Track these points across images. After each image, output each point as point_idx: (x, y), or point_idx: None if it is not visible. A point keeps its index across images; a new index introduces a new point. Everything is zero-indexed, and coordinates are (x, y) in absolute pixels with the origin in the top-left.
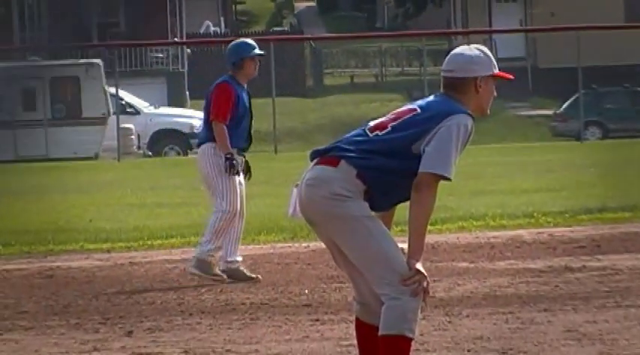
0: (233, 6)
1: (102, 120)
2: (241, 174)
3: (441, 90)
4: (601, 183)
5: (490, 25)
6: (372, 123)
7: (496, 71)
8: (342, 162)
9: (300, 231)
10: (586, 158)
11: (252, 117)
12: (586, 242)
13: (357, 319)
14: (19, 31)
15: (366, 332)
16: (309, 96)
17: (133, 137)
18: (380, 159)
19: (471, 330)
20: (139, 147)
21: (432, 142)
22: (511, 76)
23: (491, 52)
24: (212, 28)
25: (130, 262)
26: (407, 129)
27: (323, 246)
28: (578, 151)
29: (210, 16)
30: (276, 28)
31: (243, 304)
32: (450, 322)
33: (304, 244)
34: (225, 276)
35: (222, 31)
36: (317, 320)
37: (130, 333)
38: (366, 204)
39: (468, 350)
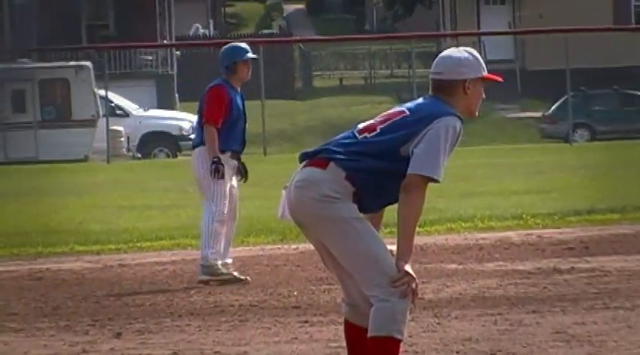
0: (222, 8)
1: (91, 123)
2: (234, 177)
3: (430, 92)
4: (590, 185)
5: (479, 27)
6: (361, 126)
7: (485, 73)
8: (331, 164)
9: (289, 232)
10: (575, 160)
11: (246, 121)
12: (574, 243)
13: (346, 321)
14: (10, 33)
15: (355, 333)
16: (298, 99)
17: (122, 139)
18: (369, 161)
19: (460, 332)
20: (128, 150)
21: (421, 144)
22: (500, 78)
23: (480, 54)
24: (201, 31)
25: (120, 264)
26: (396, 132)
27: (312, 247)
28: (567, 153)
29: (199, 19)
30: (265, 31)
31: (232, 306)
32: (438, 323)
33: (293, 246)
34: (236, 274)
35: (212, 33)
36: (306, 321)
37: (119, 335)
38: (355, 206)
39: (457, 352)
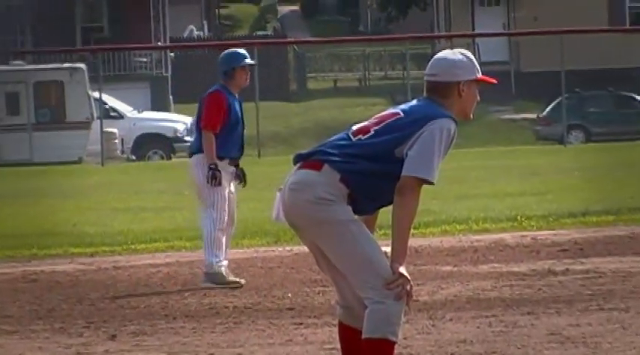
0: (216, 10)
1: (86, 125)
2: (232, 182)
3: (424, 94)
4: (584, 187)
5: (473, 29)
6: (355, 127)
7: (479, 75)
8: (326, 166)
9: (283, 235)
10: (569, 162)
11: (244, 127)
12: (569, 245)
13: (341, 323)
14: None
15: (349, 335)
16: (292, 101)
17: (116, 141)
18: (363, 163)
19: (455, 334)
20: (122, 152)
21: (415, 146)
22: (494, 80)
23: (474, 55)
24: (195, 33)
25: (114, 266)
26: (390, 133)
27: (306, 250)
28: (562, 155)
29: (193, 21)
30: (259, 33)
31: (226, 308)
32: (433, 325)
33: (288, 248)
34: (242, 281)
35: (206, 35)
36: (300, 323)
37: (113, 337)
38: (350, 208)
39: (452, 354)
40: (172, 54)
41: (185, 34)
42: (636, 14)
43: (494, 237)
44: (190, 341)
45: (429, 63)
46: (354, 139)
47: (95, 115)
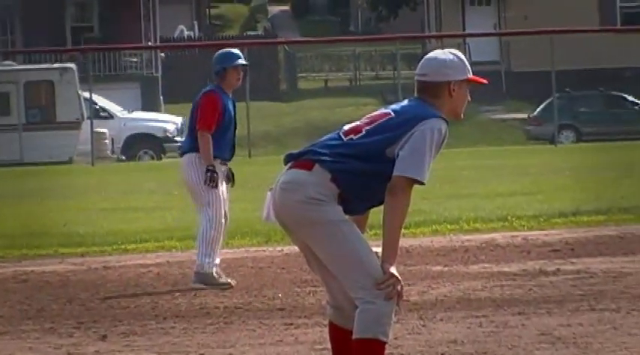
0: (207, 10)
1: (76, 125)
2: (224, 182)
3: (415, 94)
4: (575, 187)
5: (464, 29)
6: (346, 127)
7: (470, 75)
8: (317, 165)
9: (274, 235)
10: (560, 161)
11: (236, 127)
12: (560, 245)
13: (331, 323)
14: None
15: (339, 336)
16: (283, 100)
17: (106, 141)
18: (354, 162)
19: (445, 334)
20: (112, 152)
21: (406, 146)
22: (485, 80)
23: (465, 55)
24: (186, 33)
25: (104, 266)
26: (381, 133)
27: (297, 250)
28: (553, 155)
29: (184, 21)
30: (250, 32)
31: (217, 308)
32: (424, 326)
33: (278, 248)
34: (232, 282)
35: (196, 35)
36: (291, 324)
37: (104, 337)
38: (341, 208)
39: (442, 354)
40: (163, 54)
41: (175, 34)
42: (627, 14)
43: (485, 237)
44: (181, 341)
45: (420, 63)
46: (345, 139)
47: (85, 115)
